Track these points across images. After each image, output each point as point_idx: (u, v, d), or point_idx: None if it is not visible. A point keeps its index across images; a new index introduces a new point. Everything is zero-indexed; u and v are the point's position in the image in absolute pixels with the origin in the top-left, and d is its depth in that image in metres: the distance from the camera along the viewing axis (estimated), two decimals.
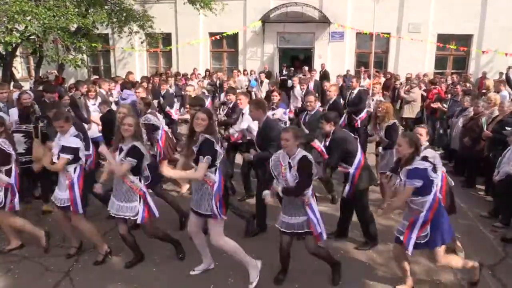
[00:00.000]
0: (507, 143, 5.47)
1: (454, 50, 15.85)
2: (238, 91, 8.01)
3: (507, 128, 5.61)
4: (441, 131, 9.16)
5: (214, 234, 3.93)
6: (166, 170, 3.84)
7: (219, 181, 3.84)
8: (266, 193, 3.94)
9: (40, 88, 8.12)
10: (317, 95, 8.46)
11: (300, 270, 4.24)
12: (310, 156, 3.78)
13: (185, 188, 6.40)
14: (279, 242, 4.00)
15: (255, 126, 5.63)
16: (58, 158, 4.23)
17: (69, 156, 4.22)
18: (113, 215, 4.14)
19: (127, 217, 4.11)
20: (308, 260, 4.23)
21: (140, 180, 4.14)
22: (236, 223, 4.98)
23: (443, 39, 15.85)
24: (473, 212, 5.97)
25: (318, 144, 5.44)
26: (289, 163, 3.76)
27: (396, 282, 4.13)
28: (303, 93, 9.50)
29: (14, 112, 6.00)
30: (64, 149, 4.22)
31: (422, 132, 4.59)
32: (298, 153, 3.74)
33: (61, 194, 4.31)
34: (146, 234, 4.38)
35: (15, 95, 7.35)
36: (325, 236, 3.89)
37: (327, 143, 4.85)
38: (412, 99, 10.00)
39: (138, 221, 4.14)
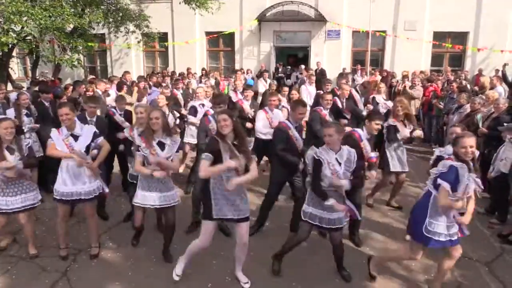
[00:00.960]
0: (502, 140, 5.50)
1: (450, 48, 15.90)
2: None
3: (505, 124, 5.64)
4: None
5: (247, 233, 3.91)
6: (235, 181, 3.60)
7: None
8: (333, 201, 3.78)
9: (36, 88, 8.09)
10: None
11: (297, 265, 4.25)
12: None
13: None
14: (300, 237, 4.06)
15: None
16: (88, 151, 4.28)
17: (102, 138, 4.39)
18: (160, 207, 4.24)
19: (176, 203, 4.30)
20: (304, 255, 4.25)
21: None
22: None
23: (439, 36, 15.90)
24: None
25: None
26: (336, 159, 3.79)
27: (393, 280, 4.16)
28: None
29: (10, 113, 5.98)
30: (95, 136, 4.32)
31: (458, 131, 4.53)
32: (345, 148, 3.84)
33: (86, 187, 4.27)
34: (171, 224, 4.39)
35: (13, 95, 7.34)
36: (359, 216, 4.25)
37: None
38: (418, 96, 10.03)
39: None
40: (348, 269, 4.19)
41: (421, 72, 13.97)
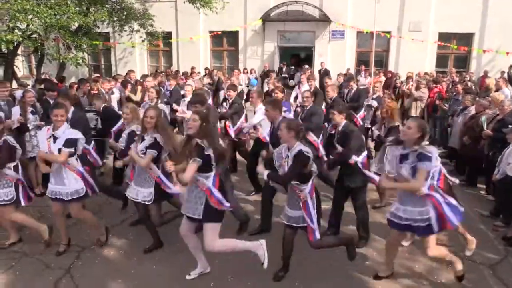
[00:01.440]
0: (507, 142, 5.47)
1: (455, 49, 15.84)
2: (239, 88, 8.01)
3: (509, 126, 5.61)
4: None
5: (208, 240, 3.78)
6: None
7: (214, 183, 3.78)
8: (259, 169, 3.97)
9: (42, 86, 8.13)
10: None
11: (298, 264, 4.24)
12: (307, 151, 3.74)
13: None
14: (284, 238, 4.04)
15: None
16: (59, 152, 4.26)
17: (71, 149, 4.32)
18: (133, 200, 4.41)
19: (142, 202, 4.34)
20: (307, 256, 4.24)
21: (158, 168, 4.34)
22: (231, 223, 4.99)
23: (444, 37, 15.84)
24: (474, 211, 5.96)
25: (314, 138, 5.43)
26: (287, 155, 3.78)
27: (396, 281, 4.14)
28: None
29: (16, 111, 6.02)
30: (67, 142, 4.28)
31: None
32: (296, 147, 3.75)
33: (69, 187, 4.34)
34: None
35: (18, 93, 7.36)
36: (318, 236, 3.86)
37: (337, 136, 4.82)
38: (421, 98, 9.99)
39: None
40: (351, 270, 4.17)
41: (426, 73, 13.93)
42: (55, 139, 4.30)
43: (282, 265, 4.15)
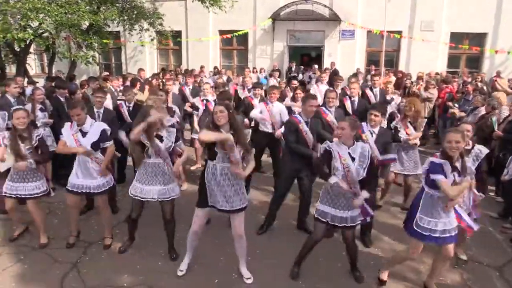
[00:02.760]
0: None
1: (467, 49, 15.64)
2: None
3: None
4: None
5: (242, 224, 3.95)
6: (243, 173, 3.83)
7: None
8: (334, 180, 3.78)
9: (52, 84, 8.22)
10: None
11: (305, 266, 4.24)
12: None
13: (185, 185, 6.58)
14: (315, 237, 4.00)
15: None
16: (95, 148, 4.38)
17: (112, 142, 4.48)
18: (159, 199, 4.26)
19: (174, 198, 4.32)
20: (312, 255, 4.25)
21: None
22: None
23: (456, 37, 15.65)
24: (482, 213, 5.88)
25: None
26: (349, 153, 3.76)
27: (401, 283, 4.12)
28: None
29: (28, 108, 6.10)
30: (104, 134, 4.43)
31: (469, 128, 4.42)
32: (359, 145, 3.79)
33: (98, 180, 4.43)
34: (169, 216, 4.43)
35: (28, 90, 7.47)
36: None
37: (375, 138, 4.80)
38: (429, 98, 9.90)
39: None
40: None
41: (437, 73, 13.79)
42: (83, 133, 4.37)
43: (296, 261, 4.17)
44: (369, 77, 13.44)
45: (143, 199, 4.25)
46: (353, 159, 3.74)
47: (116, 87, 8.66)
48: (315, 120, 5.03)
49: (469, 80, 11.74)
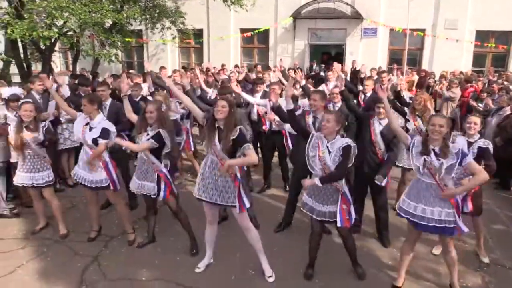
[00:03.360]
0: None
1: (493, 48, 15.23)
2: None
3: None
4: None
5: (242, 217, 3.93)
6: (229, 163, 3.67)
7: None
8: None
9: (76, 81, 8.40)
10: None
11: (319, 264, 4.22)
12: (353, 145, 3.75)
13: None
14: (313, 232, 4.00)
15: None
16: (95, 143, 4.43)
17: (107, 140, 4.49)
18: (135, 192, 4.50)
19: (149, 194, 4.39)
20: (327, 252, 4.22)
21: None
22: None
23: (481, 35, 15.27)
24: (506, 215, 5.76)
25: None
26: (327, 147, 3.74)
27: (419, 283, 4.06)
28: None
29: (52, 104, 6.28)
30: (103, 133, 4.46)
31: (477, 121, 4.30)
32: (339, 139, 3.73)
33: (94, 176, 4.52)
34: (172, 210, 4.55)
35: (53, 87, 7.63)
36: (352, 221, 3.89)
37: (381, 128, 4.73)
38: (452, 98, 9.70)
39: (160, 199, 4.43)
40: (375, 270, 4.12)
41: (461, 72, 13.49)
42: (90, 128, 4.49)
43: (308, 263, 4.15)
44: (391, 76, 13.20)
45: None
46: (329, 153, 3.72)
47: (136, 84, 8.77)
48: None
49: (495, 79, 11.44)
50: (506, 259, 4.54)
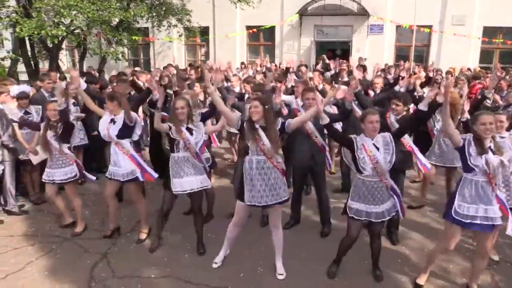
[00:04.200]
0: None
1: (501, 44, 15.10)
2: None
3: None
4: None
5: (279, 217, 4.01)
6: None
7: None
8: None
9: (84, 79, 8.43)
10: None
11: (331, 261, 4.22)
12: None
13: (213, 179, 6.58)
14: (351, 236, 3.91)
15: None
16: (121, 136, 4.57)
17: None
18: (192, 191, 4.29)
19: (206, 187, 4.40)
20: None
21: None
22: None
23: (489, 31, 15.14)
24: None
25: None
26: (374, 144, 3.70)
27: (430, 281, 4.04)
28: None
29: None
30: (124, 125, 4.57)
31: (503, 119, 4.26)
32: (379, 136, 3.73)
33: (124, 169, 4.56)
34: (196, 208, 4.50)
35: (62, 85, 7.67)
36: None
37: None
38: (461, 94, 9.60)
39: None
40: (383, 268, 4.11)
41: (468, 69, 13.38)
42: (114, 122, 4.57)
43: (334, 260, 4.15)
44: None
45: (175, 192, 4.29)
46: (377, 149, 3.69)
47: (144, 82, 8.79)
48: None
49: (503, 75, 11.33)
50: None
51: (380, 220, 3.79)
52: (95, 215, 5.45)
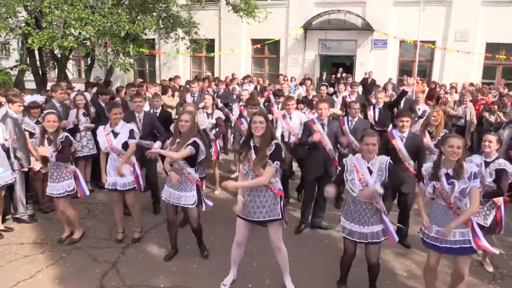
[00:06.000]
0: None
1: (504, 60, 15.24)
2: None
3: None
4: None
5: (279, 236, 3.92)
6: (231, 184, 3.85)
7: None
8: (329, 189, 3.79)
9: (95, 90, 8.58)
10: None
11: (335, 275, 4.27)
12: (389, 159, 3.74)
13: (218, 190, 6.87)
14: (347, 253, 3.95)
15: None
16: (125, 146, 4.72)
17: (136, 140, 4.80)
18: (173, 203, 4.41)
19: (185, 206, 4.38)
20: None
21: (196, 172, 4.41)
22: None
23: (492, 47, 15.29)
24: None
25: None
26: (368, 168, 3.67)
27: None
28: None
29: (73, 113, 6.47)
30: (131, 133, 4.75)
31: (492, 139, 4.26)
32: (377, 159, 3.68)
33: (125, 179, 4.75)
34: (192, 225, 4.59)
35: (72, 95, 7.80)
36: (397, 239, 3.84)
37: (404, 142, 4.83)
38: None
39: (203, 209, 4.53)
40: (390, 280, 4.15)
41: (471, 84, 13.50)
42: (115, 134, 4.70)
43: (340, 279, 4.17)
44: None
45: (167, 201, 4.44)
46: (371, 172, 3.66)
47: (153, 94, 8.92)
48: (333, 121, 5.44)
49: (506, 91, 11.43)
50: None
51: (361, 241, 3.75)
52: (103, 224, 5.52)
